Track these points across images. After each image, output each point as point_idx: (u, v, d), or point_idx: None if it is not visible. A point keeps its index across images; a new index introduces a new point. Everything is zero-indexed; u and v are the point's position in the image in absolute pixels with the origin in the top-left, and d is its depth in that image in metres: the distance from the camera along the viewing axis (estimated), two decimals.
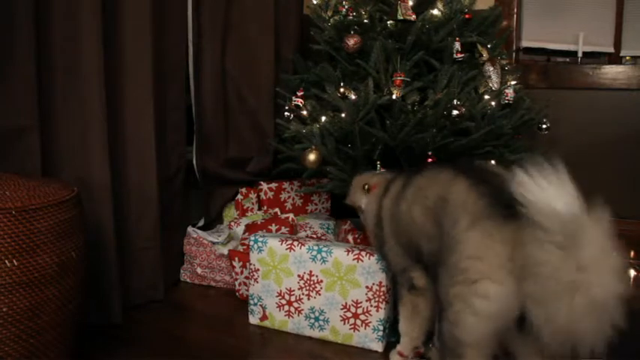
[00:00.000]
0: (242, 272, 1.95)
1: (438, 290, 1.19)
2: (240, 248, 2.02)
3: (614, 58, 2.63)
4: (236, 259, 1.95)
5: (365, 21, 1.99)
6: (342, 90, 1.92)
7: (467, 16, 1.99)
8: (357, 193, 1.59)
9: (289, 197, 2.44)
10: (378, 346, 1.61)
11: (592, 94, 2.57)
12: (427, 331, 1.48)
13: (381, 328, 1.59)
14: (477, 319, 1.08)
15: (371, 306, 1.59)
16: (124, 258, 1.83)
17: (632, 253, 2.46)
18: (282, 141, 2.23)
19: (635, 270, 2.38)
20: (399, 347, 1.51)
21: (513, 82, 2.03)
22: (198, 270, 2.12)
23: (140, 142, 1.85)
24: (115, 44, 1.76)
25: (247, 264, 1.91)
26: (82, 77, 1.64)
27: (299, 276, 1.67)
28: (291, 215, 2.13)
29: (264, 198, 2.38)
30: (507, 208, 1.04)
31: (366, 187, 1.56)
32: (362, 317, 1.61)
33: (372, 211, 1.51)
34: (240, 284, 1.97)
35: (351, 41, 1.93)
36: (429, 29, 1.91)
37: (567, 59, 2.69)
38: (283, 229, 2.05)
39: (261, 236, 1.73)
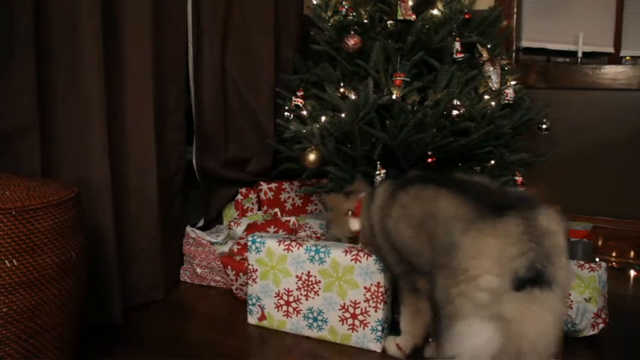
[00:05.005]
0: (237, 280, 1.94)
1: (435, 293, 1.23)
2: (235, 248, 2.00)
3: (614, 58, 2.62)
4: (229, 267, 1.95)
5: (365, 21, 1.99)
6: (342, 90, 1.92)
7: (467, 16, 1.99)
8: (345, 221, 1.70)
9: (289, 197, 2.44)
10: (376, 347, 1.61)
11: (592, 94, 2.57)
12: (427, 330, 1.51)
13: (380, 328, 1.60)
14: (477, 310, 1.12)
15: (369, 307, 1.59)
16: (124, 258, 1.83)
17: (632, 254, 2.46)
18: (282, 141, 2.23)
19: (635, 270, 2.38)
20: (398, 340, 1.55)
21: (513, 82, 2.03)
22: (198, 270, 2.12)
23: (140, 143, 1.86)
24: (115, 44, 1.76)
25: (240, 273, 1.92)
26: (82, 77, 1.64)
27: (297, 276, 1.68)
28: (292, 219, 2.11)
29: (264, 198, 2.38)
30: (491, 207, 1.16)
31: (350, 212, 1.68)
32: (360, 318, 1.61)
33: (364, 224, 1.63)
34: (236, 289, 1.97)
35: (351, 41, 1.93)
36: (428, 29, 1.91)
37: (567, 59, 2.69)
38: (281, 233, 2.04)
39: (259, 237, 1.74)
